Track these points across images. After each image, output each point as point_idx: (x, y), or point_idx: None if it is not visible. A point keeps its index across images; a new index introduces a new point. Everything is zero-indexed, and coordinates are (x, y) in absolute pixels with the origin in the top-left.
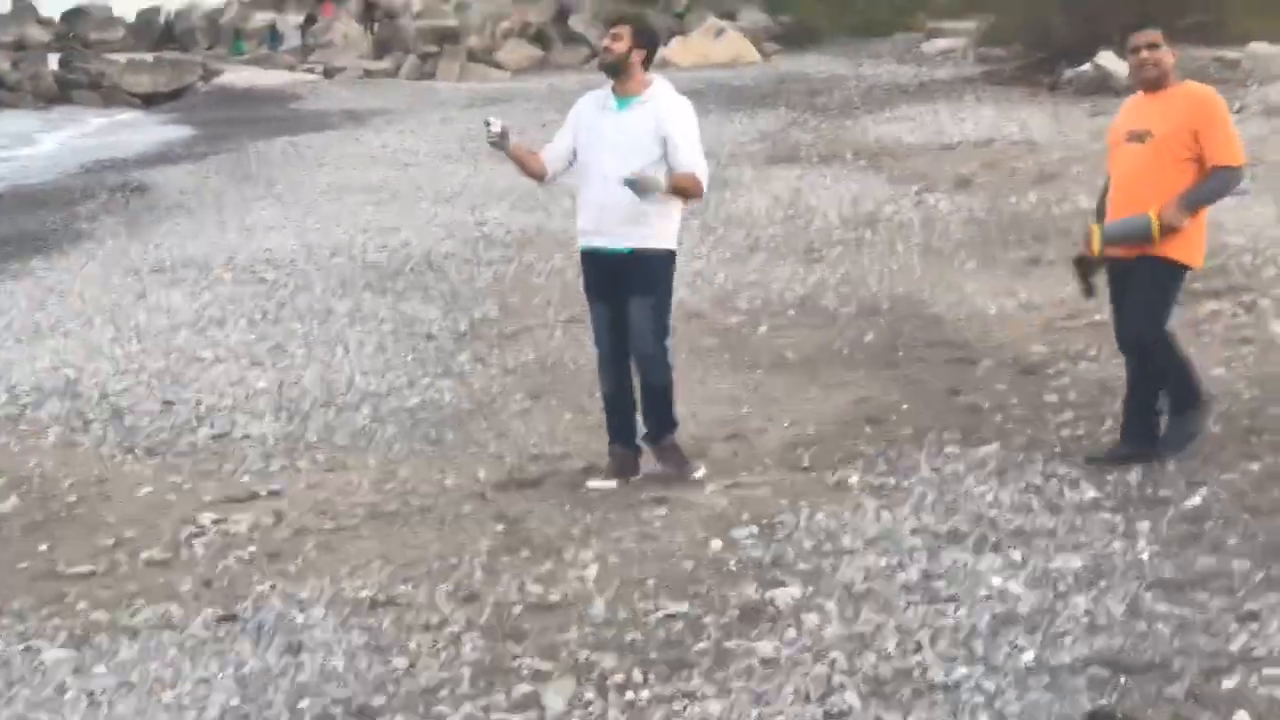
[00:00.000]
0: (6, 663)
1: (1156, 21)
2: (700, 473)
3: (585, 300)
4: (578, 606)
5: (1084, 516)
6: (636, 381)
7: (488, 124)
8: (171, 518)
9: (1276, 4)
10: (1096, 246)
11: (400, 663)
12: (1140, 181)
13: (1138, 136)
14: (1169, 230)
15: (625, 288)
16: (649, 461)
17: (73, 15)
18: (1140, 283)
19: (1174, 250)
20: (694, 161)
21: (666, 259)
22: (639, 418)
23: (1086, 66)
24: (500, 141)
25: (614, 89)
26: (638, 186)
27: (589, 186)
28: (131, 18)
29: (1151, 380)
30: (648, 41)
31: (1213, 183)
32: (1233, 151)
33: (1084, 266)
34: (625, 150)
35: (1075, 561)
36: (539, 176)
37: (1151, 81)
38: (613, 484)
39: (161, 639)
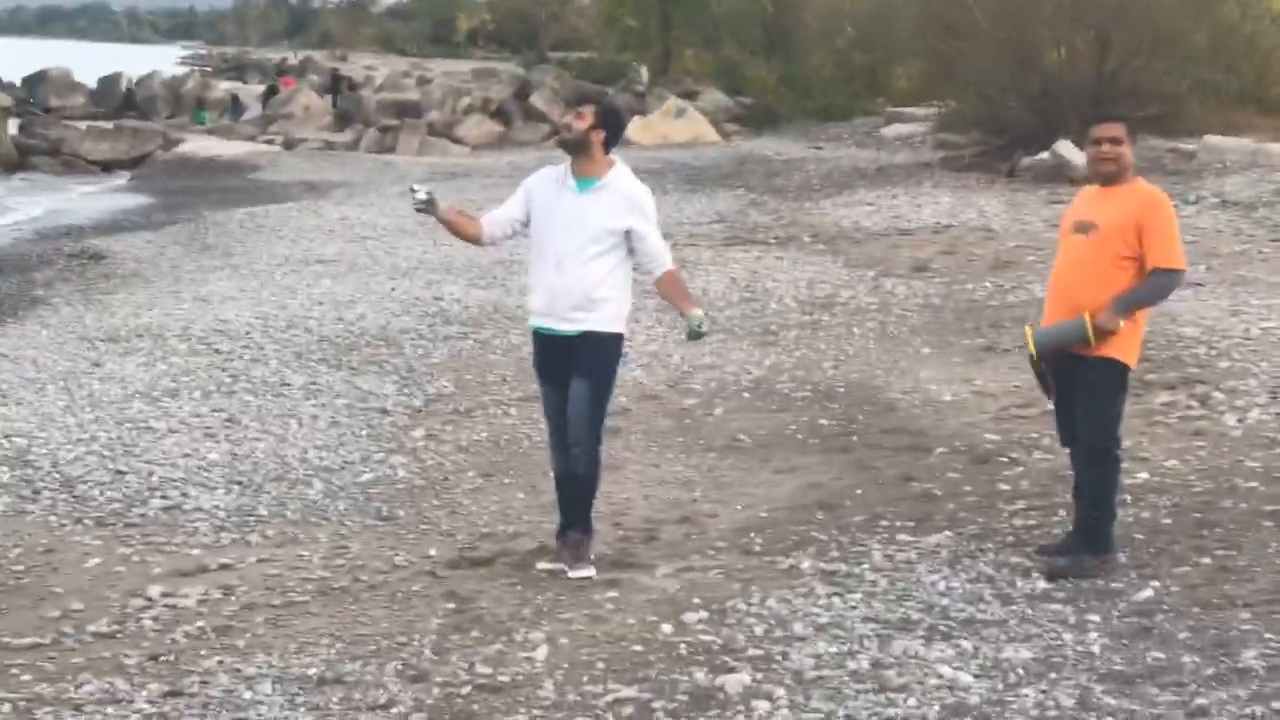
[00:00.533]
0: None
1: (1122, 112)
2: (584, 573)
3: (538, 381)
4: (527, 688)
5: (1035, 607)
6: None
7: (413, 190)
8: (120, 590)
9: (1232, 98)
10: (1032, 349)
11: None
12: (1078, 273)
13: (1083, 228)
14: (1103, 333)
15: (571, 368)
16: (601, 541)
17: (34, 80)
18: (1085, 387)
19: (1110, 350)
20: (661, 252)
21: (614, 341)
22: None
23: (1044, 155)
24: (427, 208)
25: (573, 168)
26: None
27: (542, 267)
28: (93, 84)
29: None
30: (611, 123)
31: (1149, 286)
32: (1173, 255)
33: (1037, 364)
34: (581, 235)
35: (1025, 652)
36: (474, 239)
37: (1108, 176)
38: (563, 566)
39: (106, 713)
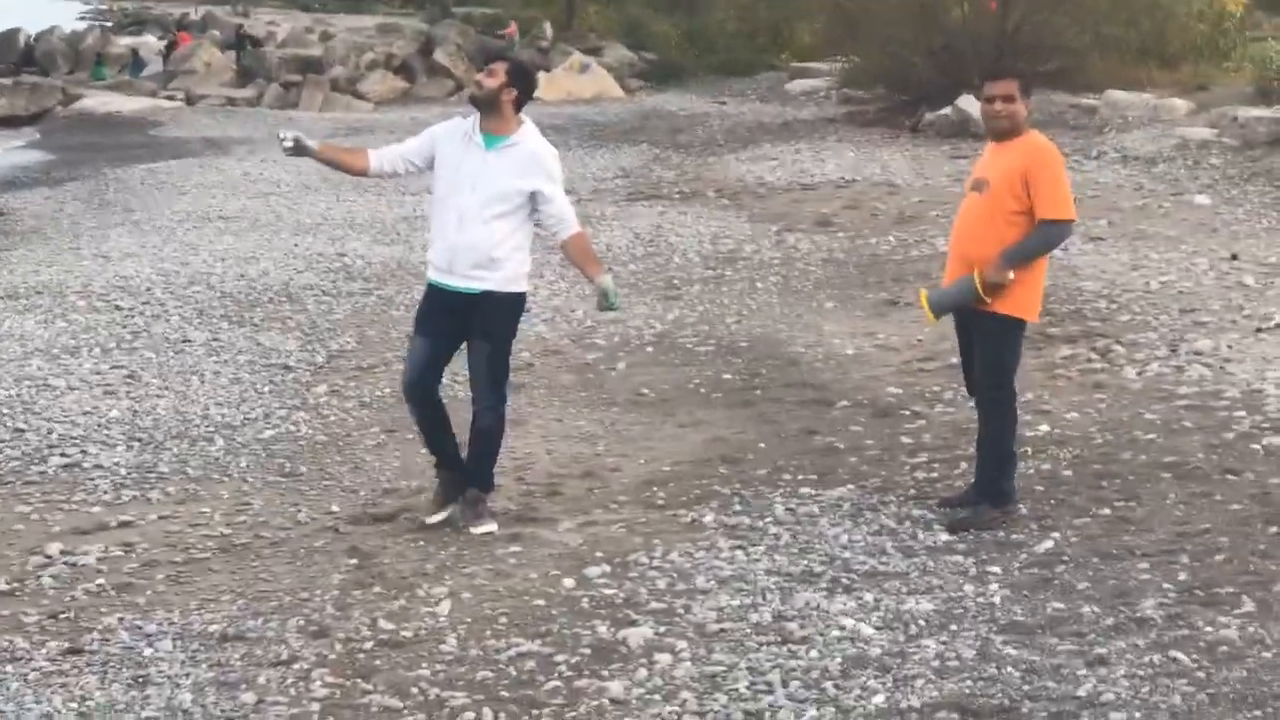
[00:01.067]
0: None
1: (1015, 69)
2: (486, 528)
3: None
4: (429, 643)
5: (936, 559)
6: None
7: (280, 137)
8: (19, 548)
9: (1133, 53)
10: (929, 316)
11: (249, 698)
12: (973, 231)
13: (978, 185)
14: (993, 288)
15: (467, 328)
16: (504, 496)
17: None
18: (980, 339)
19: (1006, 306)
20: (567, 214)
21: (517, 301)
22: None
23: (947, 110)
24: (298, 151)
25: (482, 125)
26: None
27: (444, 222)
28: None
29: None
30: (522, 82)
31: (1037, 236)
32: (1060, 205)
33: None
34: (485, 193)
35: (927, 604)
36: (360, 170)
37: (1001, 132)
38: (445, 513)
39: (4, 671)
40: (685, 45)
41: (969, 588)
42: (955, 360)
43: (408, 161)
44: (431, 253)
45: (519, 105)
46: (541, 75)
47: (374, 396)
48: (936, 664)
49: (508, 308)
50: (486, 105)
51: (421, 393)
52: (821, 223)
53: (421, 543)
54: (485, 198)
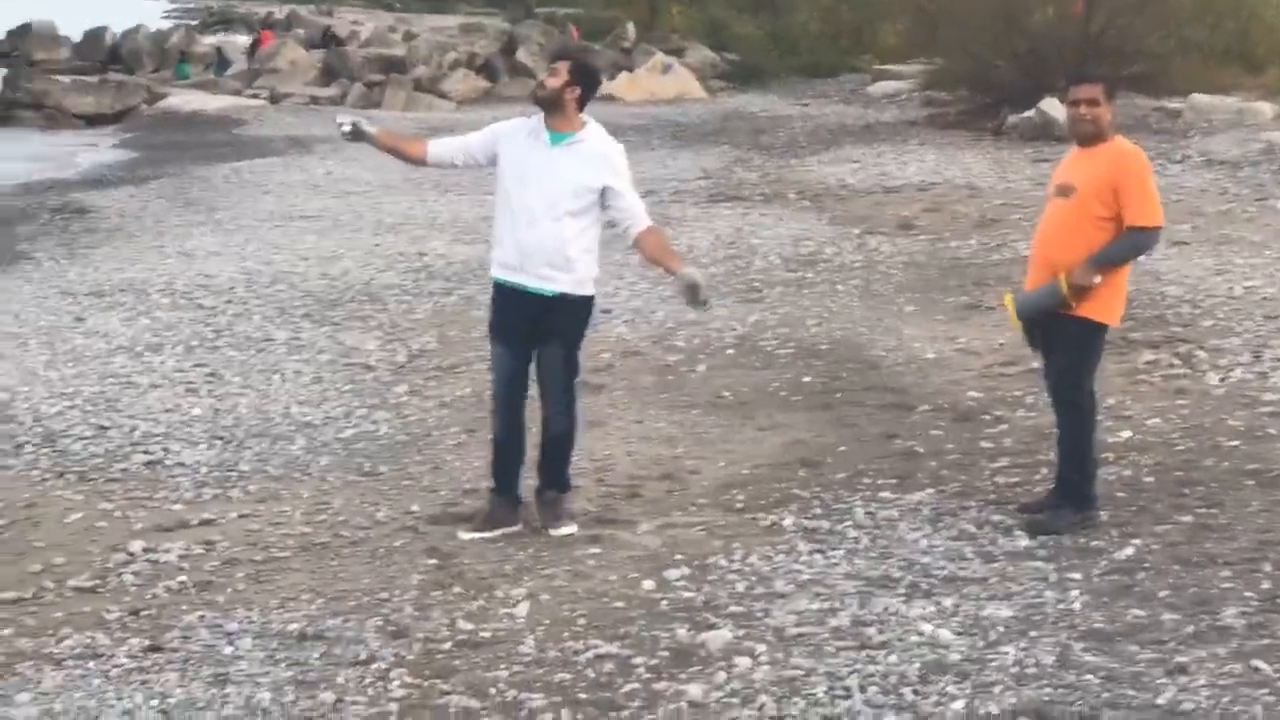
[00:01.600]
0: None
1: (1100, 73)
2: (566, 530)
3: (492, 337)
4: (508, 644)
5: (1016, 565)
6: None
7: (338, 122)
8: (101, 545)
9: (1218, 56)
10: (1014, 320)
11: (327, 698)
12: (1059, 236)
13: (1064, 191)
14: (1079, 291)
15: (540, 331)
16: (584, 498)
17: (19, 33)
18: (1061, 344)
19: (1090, 310)
20: (638, 209)
21: (587, 305)
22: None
23: (1030, 113)
24: (357, 137)
25: (547, 123)
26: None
27: (511, 221)
28: (77, 37)
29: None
30: (586, 81)
31: (1123, 243)
32: (1148, 212)
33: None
34: (554, 191)
35: (1006, 610)
36: (417, 159)
37: (1086, 136)
38: (488, 534)
39: (87, 668)
40: (768, 46)
41: (1049, 594)
42: (1036, 365)
43: (468, 155)
44: (499, 251)
45: (582, 104)
46: (624, 75)
47: (454, 396)
48: (1016, 670)
49: (580, 311)
50: (550, 104)
51: (511, 403)
52: (903, 226)
53: (500, 544)
54: (554, 195)
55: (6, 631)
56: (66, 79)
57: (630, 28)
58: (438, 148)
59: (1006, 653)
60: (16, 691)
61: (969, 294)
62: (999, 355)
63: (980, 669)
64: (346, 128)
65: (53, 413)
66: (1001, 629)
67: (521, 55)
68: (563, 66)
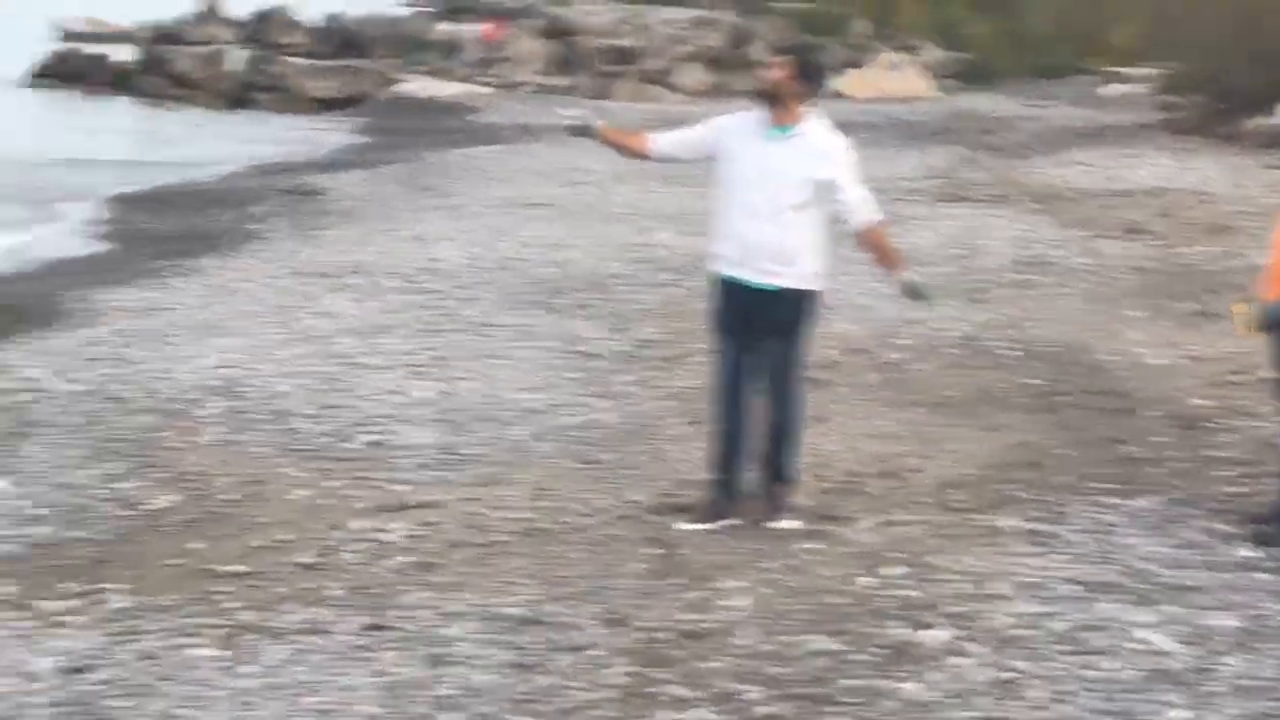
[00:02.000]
0: (155, 657)
1: None
2: (788, 524)
3: (712, 331)
4: (726, 636)
5: (1241, 575)
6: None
7: (563, 114)
8: (324, 522)
9: None
10: (1244, 328)
11: (544, 682)
12: None
13: None
14: None
15: (764, 326)
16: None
17: (261, 18)
18: None
19: None
20: (862, 203)
21: (811, 300)
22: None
23: (1269, 118)
24: (581, 131)
25: (770, 118)
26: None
27: (734, 215)
28: (314, 23)
29: None
30: (809, 75)
31: None
32: None
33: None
34: (777, 185)
35: (1230, 621)
36: (640, 153)
37: None
38: (707, 526)
39: (310, 642)
40: (1000, 46)
41: (1273, 606)
42: (1267, 375)
43: (691, 148)
44: (720, 246)
45: (805, 98)
46: (853, 72)
47: (678, 387)
48: (1239, 682)
49: (803, 306)
50: (771, 97)
51: (733, 396)
52: (1132, 230)
53: (720, 535)
54: (774, 189)
55: (233, 604)
56: (303, 63)
57: (862, 24)
58: (662, 142)
59: (1230, 664)
60: (241, 663)
61: (1198, 301)
62: (1227, 364)
63: (1202, 679)
64: (572, 121)
65: (282, 391)
66: (1225, 640)
67: (753, 50)
68: (784, 60)
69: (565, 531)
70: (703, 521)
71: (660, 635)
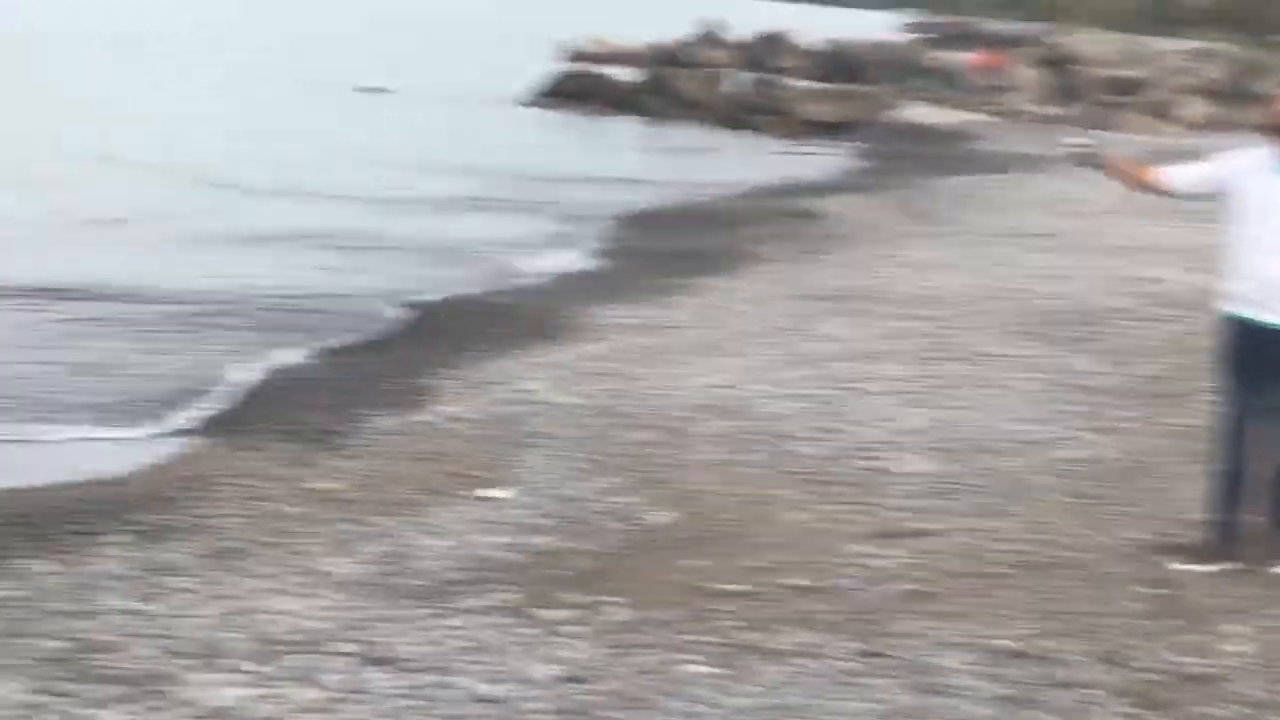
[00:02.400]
0: (653, 672)
1: None
2: None
3: (1220, 370)
4: (1226, 682)
5: None
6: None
7: (1067, 143)
8: (820, 546)
9: None
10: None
11: (1033, 717)
12: None
13: None
14: None
15: (1275, 367)
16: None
17: (763, 41)
18: None
19: None
20: None
21: None
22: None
23: None
24: (1090, 160)
25: (1276, 151)
26: None
27: (1250, 253)
28: (813, 47)
29: None
30: None
31: None
32: None
33: None
34: None
35: None
36: (1158, 189)
37: None
38: (1204, 568)
39: (804, 666)
40: None
41: None
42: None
43: (1206, 183)
44: (1233, 284)
45: None
46: None
47: (1182, 425)
48: None
49: None
50: (1276, 131)
51: (1237, 438)
52: None
53: (1220, 578)
54: None
55: (730, 623)
56: (803, 85)
57: None
58: (1182, 177)
59: None
60: (738, 683)
61: None
62: None
63: None
64: (1077, 149)
65: (780, 413)
66: None
67: (1256, 83)
68: None
69: (1061, 566)
70: (1201, 563)
71: (1157, 677)
